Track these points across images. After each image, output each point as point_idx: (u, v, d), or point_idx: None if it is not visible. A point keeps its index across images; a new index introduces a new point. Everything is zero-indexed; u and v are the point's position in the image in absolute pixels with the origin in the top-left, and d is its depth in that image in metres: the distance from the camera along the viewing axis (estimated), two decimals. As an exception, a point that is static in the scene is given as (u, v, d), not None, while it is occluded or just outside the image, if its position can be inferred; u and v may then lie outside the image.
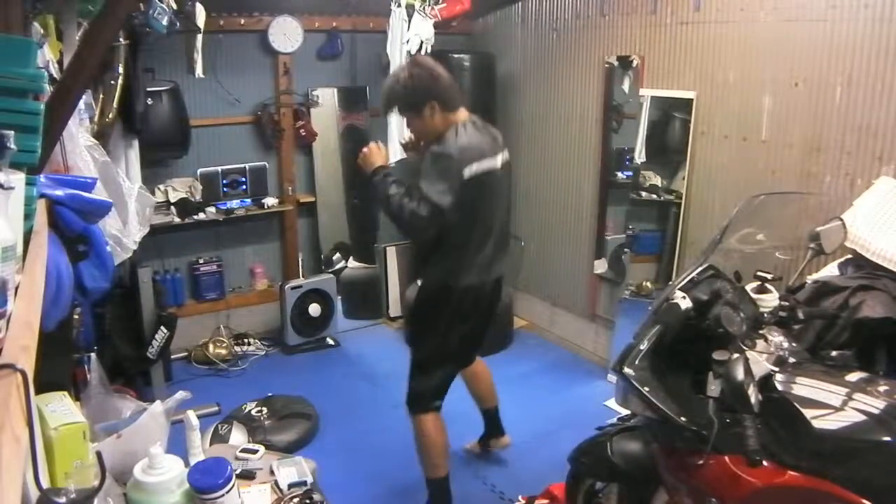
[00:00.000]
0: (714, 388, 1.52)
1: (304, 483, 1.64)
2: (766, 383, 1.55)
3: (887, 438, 1.40)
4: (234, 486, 1.38)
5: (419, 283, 2.59)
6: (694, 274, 1.80)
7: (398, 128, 3.93)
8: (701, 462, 1.56)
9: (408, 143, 2.64)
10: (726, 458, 1.53)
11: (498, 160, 2.45)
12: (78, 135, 1.91)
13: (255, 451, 1.78)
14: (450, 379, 2.66)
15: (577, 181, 4.13)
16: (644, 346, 1.65)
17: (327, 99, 4.43)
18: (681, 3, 3.32)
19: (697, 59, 3.29)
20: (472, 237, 2.42)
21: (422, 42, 3.79)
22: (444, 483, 2.65)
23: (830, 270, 2.40)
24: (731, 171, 3.21)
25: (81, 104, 2.08)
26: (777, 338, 1.71)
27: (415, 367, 2.63)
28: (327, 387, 3.81)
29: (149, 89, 3.39)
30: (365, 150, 2.51)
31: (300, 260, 4.53)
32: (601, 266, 4.05)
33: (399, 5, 3.77)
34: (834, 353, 1.83)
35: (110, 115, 2.74)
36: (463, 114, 2.43)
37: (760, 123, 3.04)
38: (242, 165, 4.19)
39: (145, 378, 3.43)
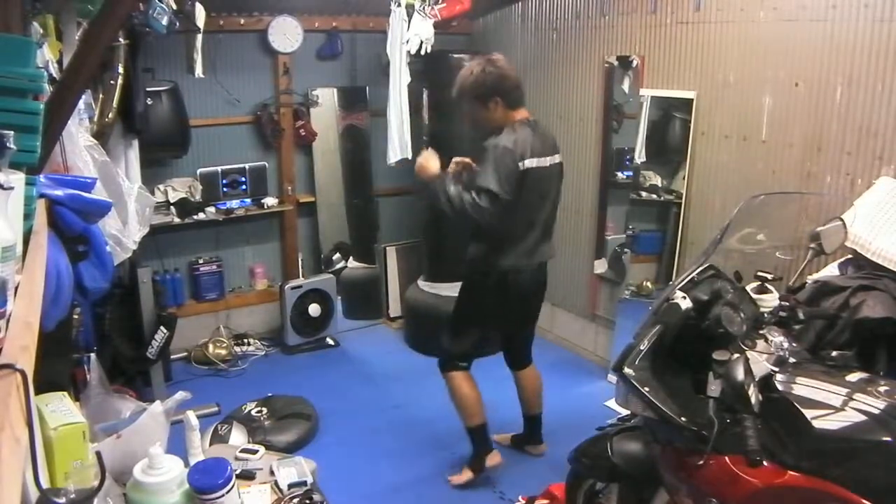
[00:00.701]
0: (714, 388, 1.52)
1: (304, 483, 1.64)
2: (766, 383, 1.55)
3: (887, 438, 1.39)
4: (233, 486, 1.38)
5: (467, 260, 2.81)
6: (694, 274, 1.80)
7: (397, 128, 3.94)
8: (701, 462, 1.56)
9: (454, 170, 2.73)
10: (726, 458, 1.52)
11: (546, 160, 2.65)
12: (78, 135, 1.91)
13: (254, 452, 1.78)
14: (477, 348, 2.91)
15: (577, 181, 4.12)
16: (644, 347, 1.65)
17: (327, 99, 4.43)
18: (681, 3, 3.32)
19: (697, 59, 3.29)
20: (515, 227, 2.65)
21: (422, 42, 3.79)
22: (482, 430, 2.92)
23: (831, 270, 2.41)
24: (731, 171, 3.21)
25: (81, 104, 2.08)
26: (777, 338, 1.71)
27: (450, 331, 2.91)
28: (327, 387, 3.81)
29: (149, 89, 3.39)
30: (420, 160, 2.71)
31: (300, 260, 4.53)
32: (601, 266, 4.05)
33: (399, 5, 3.77)
34: (834, 353, 1.82)
35: (110, 115, 2.74)
36: (522, 113, 2.67)
37: (760, 123, 3.04)
38: (242, 165, 4.19)
39: (145, 378, 3.42)
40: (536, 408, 3.15)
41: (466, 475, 2.94)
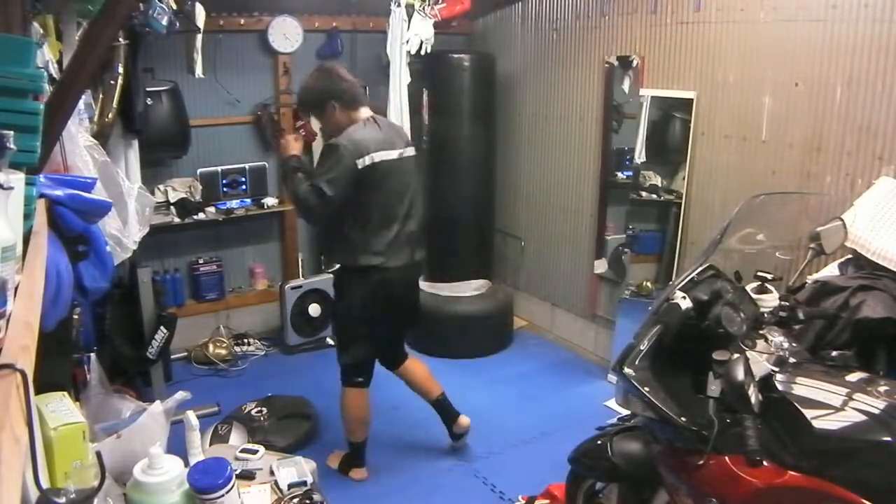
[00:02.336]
0: (714, 388, 1.52)
1: (304, 483, 1.64)
2: (766, 383, 1.55)
3: (887, 438, 1.39)
4: (233, 486, 1.38)
5: (338, 264, 2.86)
6: (694, 274, 1.80)
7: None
8: (701, 462, 1.56)
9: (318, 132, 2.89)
10: (726, 458, 1.52)
11: (394, 153, 2.69)
12: (77, 135, 1.91)
13: (254, 452, 1.78)
14: (367, 360, 2.87)
15: (577, 181, 4.13)
16: (644, 347, 1.65)
17: (327, 99, 4.42)
18: (681, 3, 3.32)
19: (697, 59, 3.29)
20: (373, 222, 2.66)
21: (422, 42, 3.79)
22: (360, 447, 2.99)
23: (831, 270, 2.41)
24: (731, 171, 3.21)
25: (81, 104, 2.08)
26: (777, 338, 1.70)
27: (338, 345, 2.94)
28: (327, 387, 3.78)
29: (148, 89, 3.38)
30: (283, 140, 2.82)
31: (300, 260, 4.53)
32: (601, 266, 4.05)
33: (399, 5, 3.77)
34: (834, 353, 1.82)
35: (110, 115, 2.74)
36: (365, 112, 2.71)
37: (760, 123, 3.04)
38: (242, 165, 4.19)
39: (145, 378, 3.42)
40: (436, 389, 3.10)
41: (334, 463, 3.04)
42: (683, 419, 1.54)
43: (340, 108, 2.64)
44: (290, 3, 4.04)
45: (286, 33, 4.09)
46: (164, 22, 2.76)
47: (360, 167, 2.56)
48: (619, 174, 3.94)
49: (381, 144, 2.63)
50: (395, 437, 3.32)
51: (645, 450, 1.86)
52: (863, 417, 1.45)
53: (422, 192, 2.96)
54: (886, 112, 2.57)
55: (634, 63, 3.65)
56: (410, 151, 2.80)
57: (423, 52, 3.82)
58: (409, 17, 3.78)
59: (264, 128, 4.20)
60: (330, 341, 4.37)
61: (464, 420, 3.14)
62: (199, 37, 3.57)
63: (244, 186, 4.20)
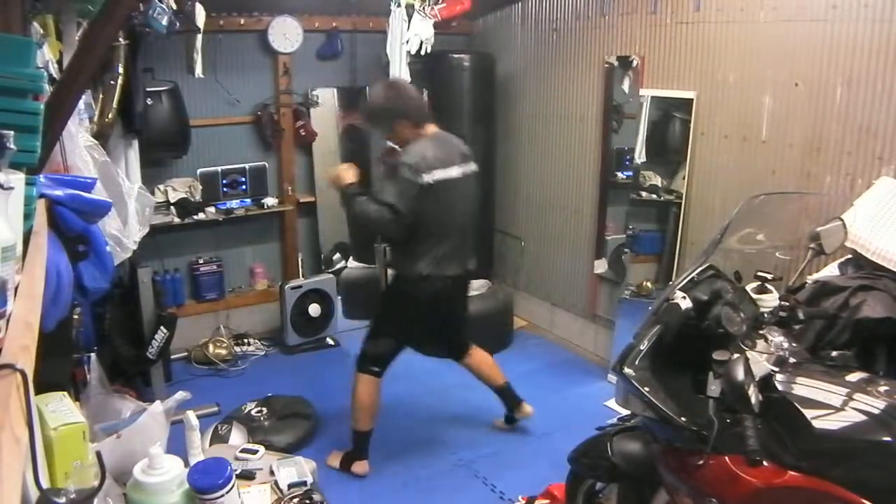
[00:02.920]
0: (714, 388, 1.52)
1: (304, 483, 1.64)
2: (766, 383, 1.55)
3: (887, 438, 1.39)
4: (233, 486, 1.38)
5: (394, 268, 2.99)
6: (694, 274, 1.80)
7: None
8: (701, 462, 1.56)
9: (383, 153, 2.97)
10: (726, 458, 1.53)
11: (457, 170, 2.77)
12: (78, 135, 1.91)
13: (254, 452, 1.78)
14: (391, 354, 2.98)
15: (577, 181, 4.13)
16: (644, 347, 1.65)
17: (327, 99, 4.43)
18: (681, 3, 3.32)
19: (697, 59, 3.29)
20: (433, 235, 2.76)
21: (421, 42, 3.79)
22: (366, 436, 3.02)
23: (831, 270, 2.41)
24: (731, 171, 3.21)
25: (81, 104, 2.08)
26: (777, 338, 1.71)
27: (369, 334, 3.01)
28: (327, 387, 3.80)
29: (148, 89, 3.39)
30: (336, 173, 2.84)
31: (300, 260, 4.53)
32: (601, 266, 4.05)
33: (399, 5, 3.77)
34: (834, 353, 1.82)
35: (110, 115, 2.74)
36: (431, 129, 2.79)
37: (760, 123, 3.04)
38: (242, 165, 4.19)
39: (145, 378, 3.42)
40: (500, 378, 3.24)
41: (334, 462, 3.04)
42: (683, 419, 1.54)
43: (409, 125, 2.73)
44: (290, 3, 4.04)
45: (286, 33, 4.09)
46: (164, 22, 2.76)
47: (422, 184, 2.64)
48: (619, 174, 3.94)
49: (442, 162, 2.71)
50: (395, 437, 3.32)
51: (645, 450, 1.86)
52: (863, 417, 1.45)
53: (479, 203, 3.09)
54: (886, 112, 2.57)
55: (634, 63, 3.65)
56: (471, 167, 2.86)
57: (423, 52, 3.82)
58: (409, 17, 3.77)
59: (264, 128, 4.20)
60: (330, 341, 4.38)
61: (527, 408, 3.29)
62: (199, 37, 3.57)
63: (244, 186, 4.20)
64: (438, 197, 2.69)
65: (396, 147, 2.80)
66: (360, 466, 3.00)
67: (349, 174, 2.80)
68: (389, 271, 3.02)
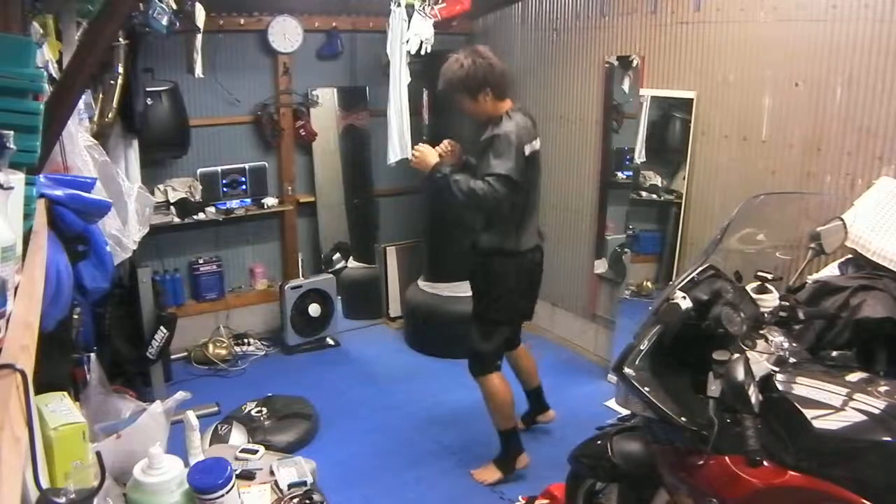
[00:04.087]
0: (714, 388, 1.52)
1: (304, 483, 1.64)
2: (766, 383, 1.55)
3: (887, 438, 1.39)
4: (233, 486, 1.38)
5: (479, 253, 2.83)
6: (694, 274, 1.79)
7: (397, 128, 3.94)
8: (701, 462, 1.56)
9: (443, 153, 2.80)
10: (726, 458, 1.52)
11: (538, 144, 2.76)
12: (77, 135, 1.91)
13: (254, 452, 1.78)
14: (508, 340, 2.93)
15: (577, 181, 4.13)
16: (644, 347, 1.65)
17: (327, 99, 4.43)
18: (681, 3, 3.32)
19: (697, 59, 3.29)
20: (526, 208, 2.74)
21: (421, 42, 3.78)
22: (516, 432, 2.95)
23: (831, 270, 2.41)
24: (731, 171, 3.21)
25: (81, 104, 2.08)
26: (777, 338, 1.70)
27: (479, 334, 2.85)
28: (327, 387, 3.81)
29: (148, 89, 3.39)
30: (415, 153, 2.76)
31: (300, 260, 4.53)
32: (601, 266, 4.05)
33: (399, 5, 3.77)
34: (834, 353, 1.82)
35: (110, 115, 2.74)
36: (509, 102, 2.70)
37: (760, 123, 3.04)
38: (242, 165, 4.19)
39: (145, 378, 3.42)
40: (536, 380, 3.26)
41: (495, 475, 2.93)
42: (683, 419, 1.54)
43: (493, 96, 2.63)
44: (290, 3, 4.03)
45: (286, 33, 4.09)
46: (164, 22, 2.76)
47: (526, 154, 2.60)
48: (619, 174, 3.94)
49: (533, 134, 2.70)
50: (395, 438, 3.32)
51: (645, 450, 1.86)
52: (863, 417, 1.45)
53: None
54: (886, 112, 2.57)
55: (634, 63, 3.65)
56: (539, 143, 2.81)
57: (423, 52, 3.82)
58: (409, 17, 3.77)
59: (264, 128, 4.20)
60: (330, 341, 4.38)
61: (552, 414, 3.33)
62: (199, 37, 3.57)
63: (244, 186, 4.20)
64: (534, 169, 2.71)
65: (452, 141, 2.80)
66: (523, 460, 2.96)
67: (432, 154, 2.70)
68: (478, 254, 2.85)
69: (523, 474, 2.97)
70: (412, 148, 2.83)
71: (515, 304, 2.85)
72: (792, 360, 1.66)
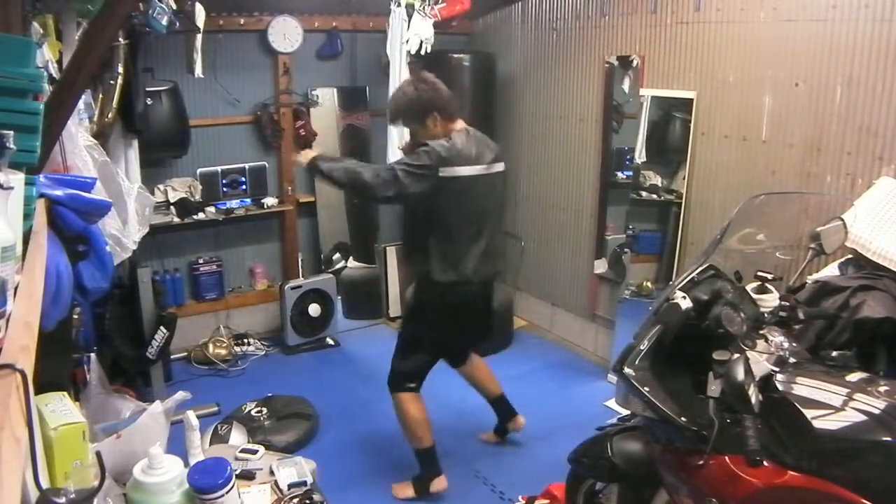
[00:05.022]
0: (714, 388, 1.52)
1: (304, 483, 1.64)
2: (766, 383, 1.55)
3: (887, 438, 1.39)
4: (233, 486, 1.38)
5: (415, 269, 2.80)
6: (694, 274, 1.80)
7: (397, 128, 3.93)
8: (701, 462, 1.56)
9: (405, 147, 2.83)
10: (726, 458, 1.52)
11: (480, 169, 2.63)
12: (77, 135, 1.91)
13: (254, 452, 1.78)
14: (426, 367, 2.85)
15: (577, 181, 4.13)
16: (644, 347, 1.65)
17: (327, 99, 4.43)
18: (681, 3, 3.32)
19: (697, 59, 3.29)
20: (456, 237, 2.64)
21: (421, 42, 3.79)
22: (431, 451, 2.87)
23: (831, 270, 2.41)
24: (731, 171, 3.21)
25: (81, 104, 2.08)
26: (777, 338, 1.70)
27: (397, 350, 2.86)
28: (327, 387, 3.81)
29: (148, 89, 3.38)
30: (295, 157, 2.80)
31: (300, 260, 4.53)
32: (601, 266, 4.05)
33: (399, 5, 3.77)
34: (834, 354, 1.82)
35: (110, 115, 2.74)
36: (460, 123, 2.68)
37: (760, 123, 3.04)
38: (242, 165, 4.19)
39: (145, 378, 3.42)
40: (497, 389, 3.18)
41: (408, 492, 2.88)
42: (683, 419, 1.54)
43: (440, 119, 2.61)
44: (290, 3, 4.03)
45: (286, 33, 4.09)
46: (164, 22, 2.76)
47: (440, 174, 2.51)
48: (619, 174, 3.94)
49: (468, 159, 2.58)
50: (395, 438, 3.32)
51: (645, 450, 1.86)
52: (863, 417, 1.45)
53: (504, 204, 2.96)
54: (886, 112, 2.57)
55: (634, 63, 3.65)
56: (499, 167, 2.72)
57: (423, 52, 3.82)
58: (409, 16, 3.78)
59: (264, 128, 4.20)
60: (330, 341, 4.38)
61: (521, 420, 3.23)
62: (199, 37, 3.57)
63: (244, 186, 4.20)
64: (457, 193, 2.57)
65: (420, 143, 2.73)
66: (439, 483, 2.85)
67: (306, 153, 2.74)
68: (413, 280, 2.85)
69: (523, 474, 2.97)
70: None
71: (438, 336, 2.79)
72: (792, 360, 1.66)
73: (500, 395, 3.19)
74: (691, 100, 3.33)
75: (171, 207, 3.89)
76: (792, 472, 1.44)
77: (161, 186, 3.93)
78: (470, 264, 2.65)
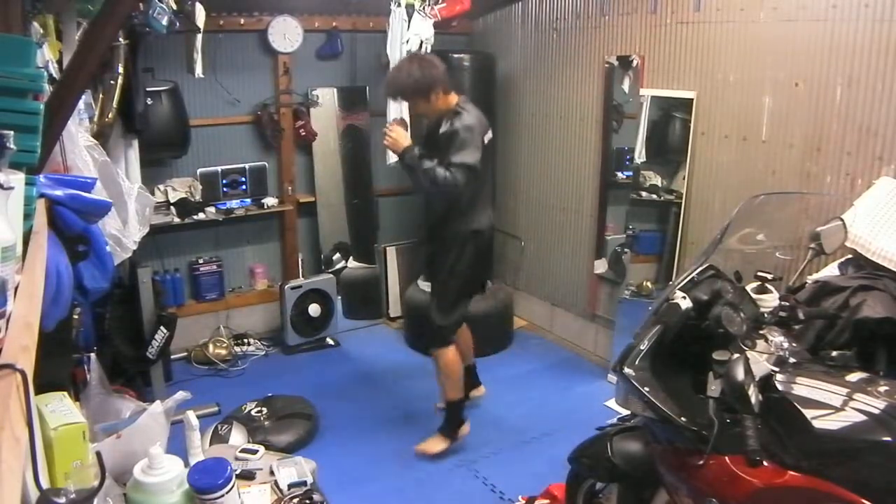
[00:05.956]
0: (714, 388, 1.52)
1: (304, 483, 1.64)
2: (766, 383, 1.55)
3: (887, 438, 1.39)
4: (233, 486, 1.38)
5: (439, 236, 3.07)
6: (694, 274, 1.80)
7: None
8: (701, 462, 1.56)
9: (399, 122, 3.12)
10: (726, 458, 1.52)
11: (490, 134, 3.00)
12: (78, 135, 1.91)
13: (254, 452, 1.78)
14: (463, 313, 3.16)
15: (577, 181, 4.13)
16: (644, 347, 1.65)
17: (327, 99, 4.43)
18: (681, 3, 3.32)
19: (697, 59, 3.29)
20: (481, 193, 3.01)
21: (421, 42, 3.78)
22: (462, 402, 3.19)
23: (831, 270, 2.40)
24: (731, 171, 3.21)
25: (81, 104, 2.08)
26: (777, 338, 1.70)
27: (440, 310, 3.07)
28: (327, 387, 3.81)
29: (149, 89, 3.38)
30: (390, 133, 2.92)
31: (300, 260, 4.53)
32: (601, 266, 4.05)
33: (399, 5, 3.77)
34: (834, 354, 1.82)
35: (110, 115, 2.74)
36: (455, 95, 2.94)
37: (760, 123, 3.04)
38: (242, 165, 4.19)
39: (145, 378, 3.42)
40: (471, 358, 3.44)
41: (441, 445, 3.12)
42: (683, 419, 1.54)
43: (443, 93, 2.86)
44: (290, 3, 4.03)
45: (286, 33, 4.09)
46: (164, 22, 2.76)
47: (484, 142, 2.86)
48: (619, 174, 3.94)
49: (485, 126, 2.93)
50: (395, 437, 3.32)
51: (645, 450, 1.86)
52: (863, 417, 1.45)
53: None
54: (886, 112, 2.57)
55: (634, 63, 3.65)
56: (491, 134, 3.04)
57: (423, 52, 3.82)
58: (409, 16, 3.77)
59: (264, 128, 4.20)
60: (330, 341, 4.38)
61: (482, 389, 3.55)
62: (199, 37, 3.57)
63: (244, 186, 4.20)
64: (487, 157, 2.93)
65: (404, 119, 3.03)
66: (465, 428, 3.19)
67: (405, 136, 2.91)
68: (438, 241, 3.09)
69: (523, 474, 2.97)
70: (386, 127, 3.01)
71: (475, 277, 3.16)
72: (792, 360, 1.66)
73: (472, 364, 3.44)
74: (691, 100, 3.33)
75: (172, 207, 3.89)
76: (792, 472, 1.44)
77: (161, 186, 3.93)
78: (486, 213, 3.07)
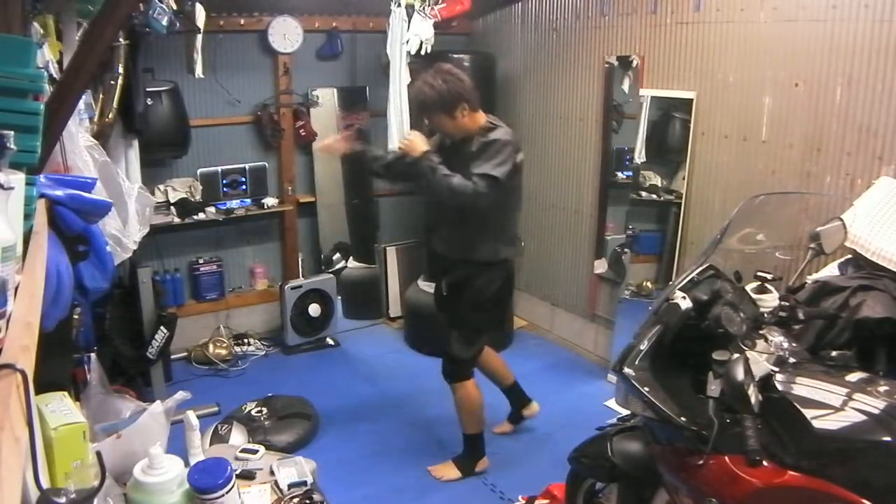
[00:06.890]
0: (714, 388, 1.52)
1: (304, 483, 1.64)
2: (766, 383, 1.55)
3: (887, 438, 1.39)
4: (234, 486, 1.38)
5: (463, 261, 2.81)
6: (694, 274, 1.80)
7: (397, 128, 3.93)
8: (701, 462, 1.56)
9: (424, 134, 2.82)
10: (726, 458, 1.52)
11: (521, 154, 2.75)
12: (78, 135, 1.91)
13: (254, 452, 1.78)
14: (481, 349, 2.99)
15: (577, 181, 4.13)
16: (644, 347, 1.65)
17: (327, 99, 4.43)
18: (681, 3, 3.32)
19: (697, 59, 3.29)
20: (513, 219, 2.90)
21: (421, 42, 3.79)
22: (482, 436, 3.02)
23: (830, 270, 2.40)
24: (731, 171, 3.21)
25: (81, 104, 2.08)
26: (777, 338, 1.70)
27: (460, 341, 2.88)
28: (327, 387, 3.81)
29: (149, 89, 3.38)
30: (406, 138, 2.75)
31: (300, 260, 4.53)
32: (601, 266, 4.05)
33: (399, 5, 3.77)
34: (834, 354, 1.82)
35: (110, 115, 2.74)
36: (482, 114, 2.74)
37: (760, 123, 3.04)
38: (242, 165, 4.19)
39: (145, 378, 3.42)
40: (509, 377, 3.26)
41: (454, 474, 3.00)
42: (683, 419, 1.54)
43: (469, 110, 2.65)
44: (290, 3, 4.03)
45: (286, 33, 4.09)
46: (164, 22, 2.76)
47: (517, 161, 2.66)
48: (619, 174, 3.94)
49: (519, 145, 2.73)
50: (395, 437, 3.33)
51: (645, 450, 1.86)
52: (863, 417, 1.45)
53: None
54: (886, 112, 2.57)
55: (634, 63, 3.65)
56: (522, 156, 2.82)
57: (423, 52, 3.82)
58: (409, 17, 3.78)
59: (264, 128, 4.20)
60: (330, 341, 4.38)
61: (535, 406, 3.34)
62: (199, 37, 3.57)
63: (244, 186, 4.20)
64: (518, 178, 2.74)
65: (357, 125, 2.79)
66: (484, 463, 3.03)
67: (422, 142, 2.68)
68: (453, 261, 2.85)
69: (523, 474, 2.97)
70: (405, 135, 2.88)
71: (499, 311, 3.03)
72: (792, 360, 1.66)
73: (513, 383, 3.26)
74: (691, 100, 3.33)
75: (172, 207, 3.89)
76: (792, 472, 1.44)
77: (161, 186, 3.94)
78: (513, 242, 2.91)
